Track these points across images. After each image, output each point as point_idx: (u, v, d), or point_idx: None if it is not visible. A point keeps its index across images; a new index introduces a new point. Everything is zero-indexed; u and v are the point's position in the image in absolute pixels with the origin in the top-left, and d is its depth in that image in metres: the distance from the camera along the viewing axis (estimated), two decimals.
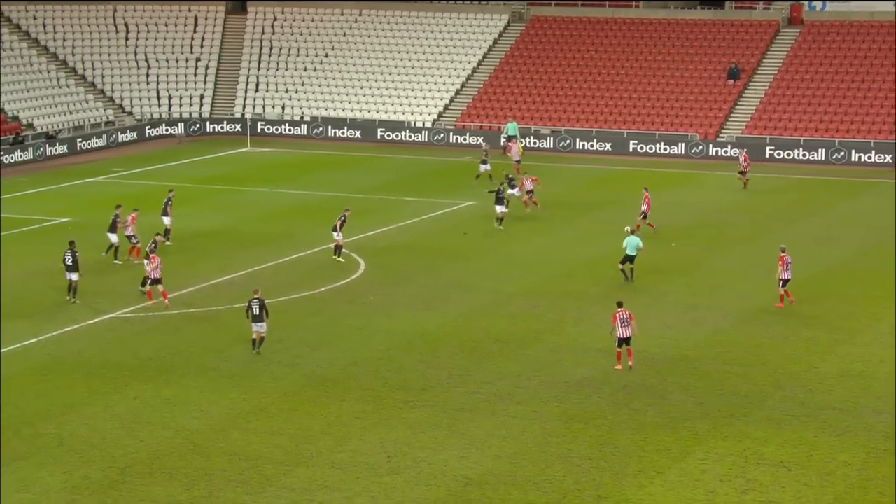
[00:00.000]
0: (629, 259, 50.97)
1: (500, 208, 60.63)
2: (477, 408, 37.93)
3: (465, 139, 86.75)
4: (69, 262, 48.60)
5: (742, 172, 71.76)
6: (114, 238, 54.74)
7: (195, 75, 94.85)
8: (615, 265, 51.71)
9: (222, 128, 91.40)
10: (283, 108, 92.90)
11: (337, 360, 42.30)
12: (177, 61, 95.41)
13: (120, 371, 41.19)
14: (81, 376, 40.68)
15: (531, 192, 63.93)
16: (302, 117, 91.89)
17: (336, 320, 46.76)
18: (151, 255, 48.47)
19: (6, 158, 78.63)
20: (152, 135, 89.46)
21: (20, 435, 35.57)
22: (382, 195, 69.65)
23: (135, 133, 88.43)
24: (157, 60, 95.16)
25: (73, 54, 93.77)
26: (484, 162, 72.30)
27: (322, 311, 48.14)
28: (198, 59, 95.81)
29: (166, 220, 57.79)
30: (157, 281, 48.09)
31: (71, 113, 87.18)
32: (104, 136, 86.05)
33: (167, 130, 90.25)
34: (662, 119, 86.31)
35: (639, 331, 41.65)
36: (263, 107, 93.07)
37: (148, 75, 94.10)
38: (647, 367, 41.45)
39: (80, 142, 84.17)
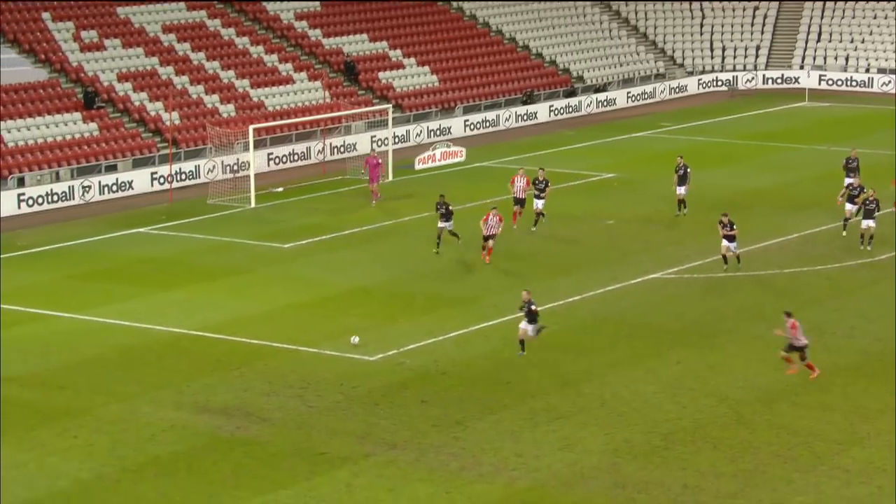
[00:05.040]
0: None
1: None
2: None
3: None
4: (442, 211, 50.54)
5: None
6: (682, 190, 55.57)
7: (752, 25, 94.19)
8: None
9: (778, 81, 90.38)
10: (846, 59, 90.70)
11: None
12: (733, 10, 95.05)
13: (662, 333, 41.70)
14: (623, 337, 41.48)
15: None
16: (868, 69, 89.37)
17: None
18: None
19: (554, 112, 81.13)
20: (703, 88, 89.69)
21: (563, 393, 36.71)
22: None
23: (685, 86, 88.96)
24: (712, 10, 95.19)
25: (627, 4, 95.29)
26: None
27: (881, 280, 46.79)
28: (756, 8, 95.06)
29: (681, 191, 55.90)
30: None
31: (621, 65, 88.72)
32: (654, 88, 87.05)
33: (719, 83, 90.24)
34: None
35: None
36: (825, 58, 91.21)
37: (702, 25, 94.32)
38: None
39: (629, 95, 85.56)
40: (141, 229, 55.77)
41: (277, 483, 31.26)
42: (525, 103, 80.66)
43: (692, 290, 46.32)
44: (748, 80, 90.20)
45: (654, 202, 55.82)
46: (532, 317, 39.30)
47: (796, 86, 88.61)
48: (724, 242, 47.56)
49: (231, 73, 72.86)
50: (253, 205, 59.55)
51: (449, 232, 50.68)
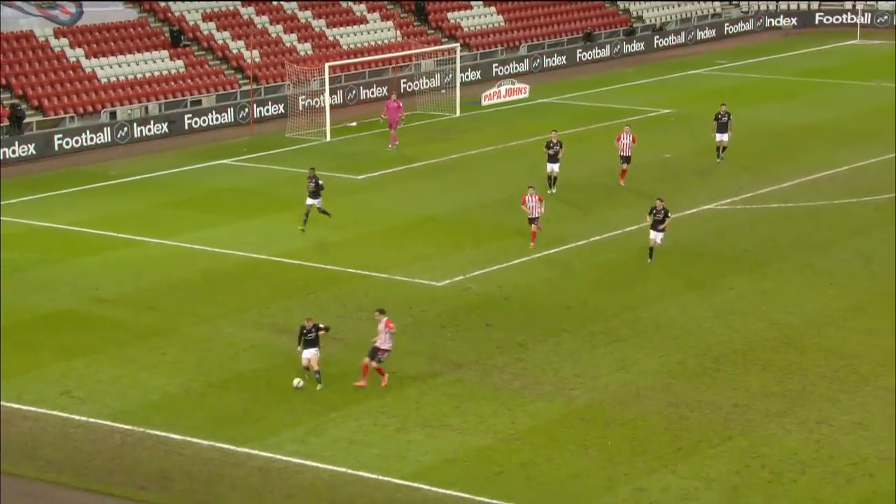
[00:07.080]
0: None
1: None
2: None
3: None
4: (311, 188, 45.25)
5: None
6: None
7: None
8: None
9: (831, 19, 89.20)
10: None
11: None
12: None
13: (716, 262, 41.66)
14: (679, 265, 41.46)
15: None
16: None
17: None
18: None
19: (621, 49, 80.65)
20: (760, 26, 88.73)
21: (620, 318, 36.83)
22: None
23: (743, 25, 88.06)
24: None
25: None
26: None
27: None
28: None
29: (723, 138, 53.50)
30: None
31: (679, 5, 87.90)
32: (712, 27, 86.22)
33: (775, 22, 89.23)
34: None
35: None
36: None
37: None
38: None
39: (688, 33, 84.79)
40: (224, 161, 56.17)
41: (351, 399, 31.65)
42: (585, 42, 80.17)
43: (745, 220, 46.16)
44: (799, 19, 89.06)
45: (710, 136, 55.47)
46: (314, 342, 32.53)
47: (849, 23, 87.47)
48: (651, 234, 41.11)
49: (308, 13, 72.88)
50: (328, 138, 59.78)
51: (318, 209, 45.24)
